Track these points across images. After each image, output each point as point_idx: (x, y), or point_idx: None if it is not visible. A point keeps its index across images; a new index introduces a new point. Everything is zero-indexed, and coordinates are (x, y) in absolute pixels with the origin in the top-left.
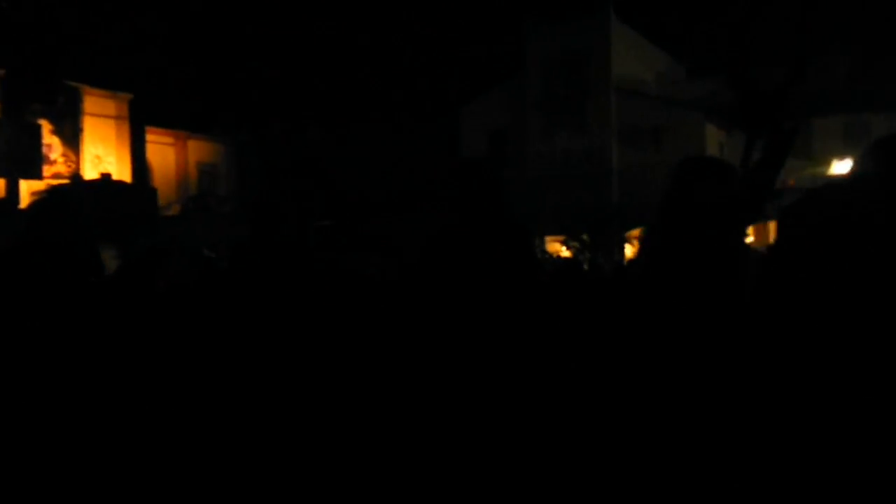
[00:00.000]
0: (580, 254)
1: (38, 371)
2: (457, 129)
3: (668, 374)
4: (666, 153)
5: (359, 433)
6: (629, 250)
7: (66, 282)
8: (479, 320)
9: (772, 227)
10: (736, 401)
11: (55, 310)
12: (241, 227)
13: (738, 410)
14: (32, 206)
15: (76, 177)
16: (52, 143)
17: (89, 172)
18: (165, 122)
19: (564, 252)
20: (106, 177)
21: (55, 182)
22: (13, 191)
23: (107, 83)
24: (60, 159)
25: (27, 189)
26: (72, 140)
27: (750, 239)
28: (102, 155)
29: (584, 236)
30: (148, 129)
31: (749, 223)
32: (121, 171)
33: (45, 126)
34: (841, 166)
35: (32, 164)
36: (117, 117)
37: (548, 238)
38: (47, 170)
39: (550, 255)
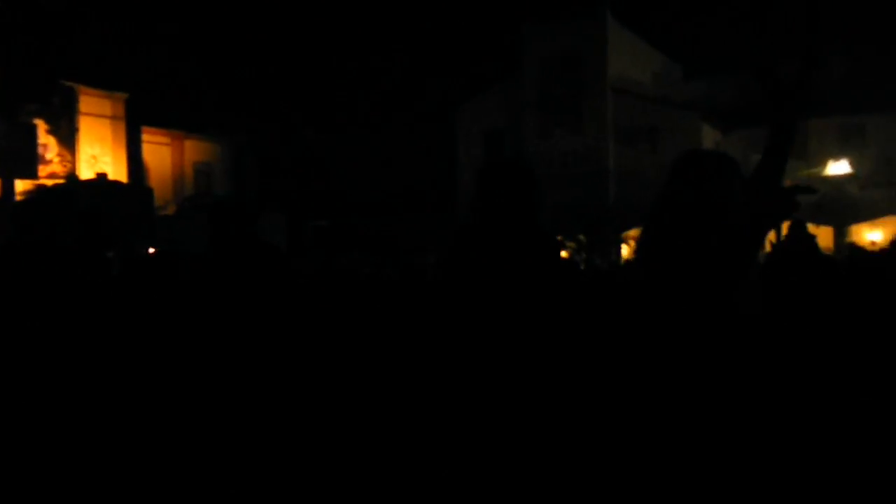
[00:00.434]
0: (577, 254)
1: (31, 370)
2: (453, 129)
3: (659, 380)
4: (662, 154)
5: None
6: (626, 250)
7: (61, 281)
8: (499, 326)
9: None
10: (728, 411)
11: (45, 310)
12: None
13: (729, 420)
14: (16, 206)
15: (72, 177)
16: (47, 143)
17: (85, 172)
18: (162, 122)
19: (562, 252)
20: (102, 177)
21: (49, 182)
22: (9, 190)
23: (103, 83)
24: (56, 159)
25: (23, 189)
26: (67, 140)
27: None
28: (98, 155)
29: (581, 236)
30: (144, 128)
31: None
32: (117, 170)
33: (41, 126)
34: (836, 167)
35: (28, 164)
36: (113, 117)
37: None
38: (43, 170)
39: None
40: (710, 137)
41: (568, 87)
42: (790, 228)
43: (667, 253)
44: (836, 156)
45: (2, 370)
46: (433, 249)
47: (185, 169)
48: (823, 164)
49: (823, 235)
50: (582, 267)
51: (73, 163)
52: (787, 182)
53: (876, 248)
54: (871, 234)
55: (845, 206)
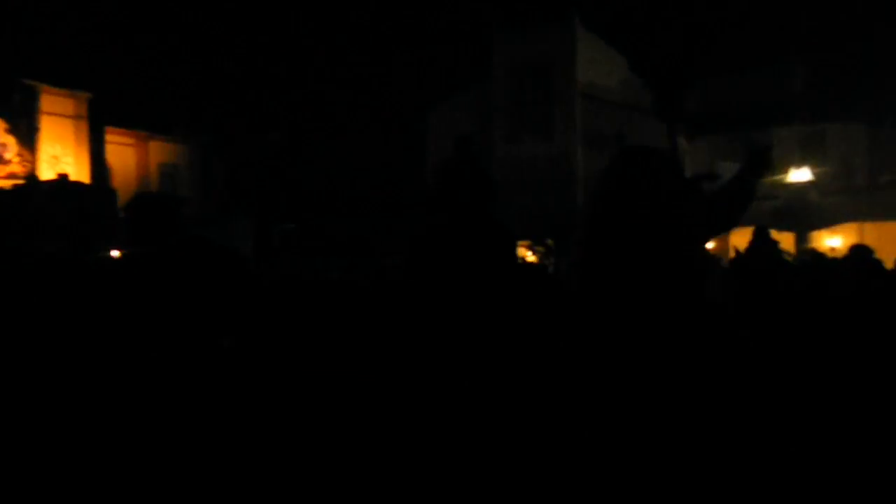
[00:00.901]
0: (545, 258)
1: None
2: (424, 132)
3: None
4: None
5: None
6: None
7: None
8: (465, 321)
9: (733, 233)
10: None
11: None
12: (201, 230)
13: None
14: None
15: (32, 177)
16: (6, 143)
17: (46, 173)
18: (126, 123)
19: (530, 257)
20: (63, 177)
21: (9, 183)
22: None
23: (65, 82)
24: (16, 159)
25: None
26: (27, 139)
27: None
28: (60, 155)
29: (550, 241)
30: (108, 129)
31: (718, 233)
32: (79, 171)
33: (0, 125)
34: (798, 174)
35: None
36: (76, 117)
37: None
38: (2, 170)
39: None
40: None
41: (537, 93)
42: (754, 234)
43: (598, 255)
44: (798, 163)
45: None
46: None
47: (149, 170)
48: (786, 170)
49: (786, 241)
50: (550, 271)
51: (34, 163)
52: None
53: (835, 253)
54: (830, 240)
55: (806, 212)
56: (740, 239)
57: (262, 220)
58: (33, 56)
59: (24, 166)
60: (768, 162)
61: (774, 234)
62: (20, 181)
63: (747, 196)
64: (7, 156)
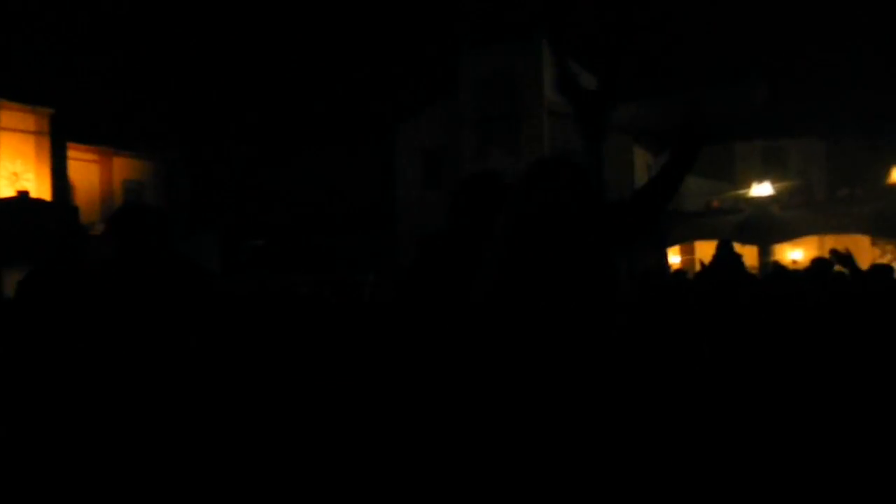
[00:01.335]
0: None
1: None
2: (392, 147)
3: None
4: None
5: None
6: None
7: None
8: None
9: (699, 247)
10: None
11: None
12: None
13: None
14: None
15: None
16: None
17: (5, 190)
18: (89, 138)
19: None
20: (23, 194)
21: None
22: None
23: (26, 97)
24: None
25: None
26: None
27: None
28: (20, 171)
29: None
30: (70, 145)
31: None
32: (40, 188)
33: None
34: (760, 189)
35: None
36: (37, 132)
37: None
38: None
39: None
40: (641, 159)
41: (504, 109)
42: (718, 247)
43: (507, 265)
44: (760, 178)
45: None
46: (373, 267)
47: (114, 187)
48: (748, 184)
49: (749, 254)
50: None
51: None
52: (715, 203)
53: (797, 266)
54: (792, 253)
55: (769, 226)
56: (705, 252)
57: (230, 236)
58: None
59: None
60: (698, 117)
61: (738, 248)
62: None
63: (683, 162)
64: None
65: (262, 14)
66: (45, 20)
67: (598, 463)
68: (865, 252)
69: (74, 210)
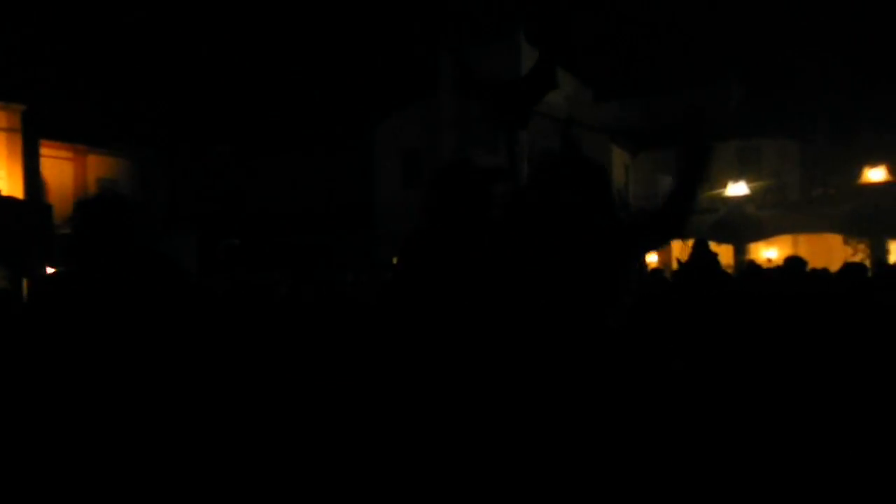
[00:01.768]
0: None
1: None
2: (371, 147)
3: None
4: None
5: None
6: None
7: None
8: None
9: (675, 246)
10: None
11: None
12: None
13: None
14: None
15: None
16: None
17: None
18: (63, 136)
19: None
20: None
21: None
22: None
23: None
24: None
25: None
26: None
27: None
28: None
29: None
30: (43, 142)
31: (656, 248)
32: (12, 186)
33: None
34: (735, 188)
35: None
36: (8, 129)
37: None
38: None
39: None
40: (619, 158)
41: (484, 108)
42: (694, 246)
43: (513, 260)
44: (736, 178)
45: None
46: (351, 267)
47: (88, 185)
48: (724, 184)
49: (724, 253)
50: None
51: None
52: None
53: (771, 264)
54: (767, 252)
55: (744, 225)
56: (682, 251)
57: (207, 235)
58: None
59: None
60: (701, 121)
61: (714, 247)
62: None
63: (696, 173)
64: None
65: (241, 12)
66: (16, 15)
67: (591, 462)
68: (838, 251)
69: (48, 208)
